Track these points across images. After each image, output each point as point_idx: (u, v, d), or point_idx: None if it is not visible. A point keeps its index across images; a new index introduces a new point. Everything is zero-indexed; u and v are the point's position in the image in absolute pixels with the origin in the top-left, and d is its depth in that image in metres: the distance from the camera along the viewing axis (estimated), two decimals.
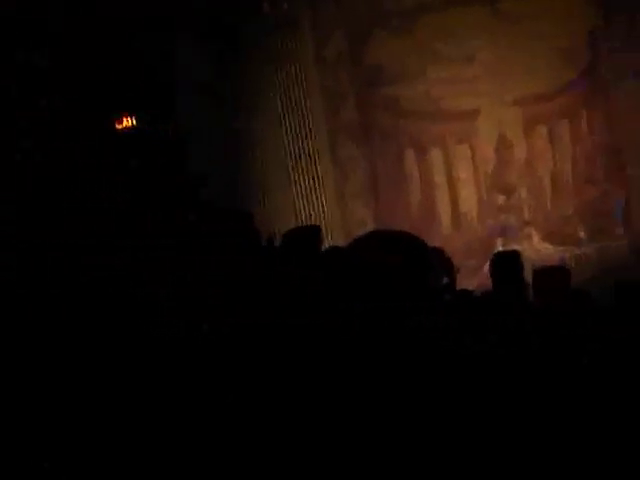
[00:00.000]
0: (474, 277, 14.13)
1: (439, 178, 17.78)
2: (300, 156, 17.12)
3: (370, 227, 15.47)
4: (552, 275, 6.73)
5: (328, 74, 17.53)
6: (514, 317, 5.09)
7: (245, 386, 3.27)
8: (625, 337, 5.04)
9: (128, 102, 11.25)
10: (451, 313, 4.27)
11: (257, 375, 3.30)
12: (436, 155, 17.76)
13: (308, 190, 17.11)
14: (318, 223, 8.69)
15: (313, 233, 6.87)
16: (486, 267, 7.62)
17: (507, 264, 6.72)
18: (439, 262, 6.06)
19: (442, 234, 16.96)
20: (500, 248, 15.82)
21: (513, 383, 3.49)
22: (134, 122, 10.92)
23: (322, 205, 17.07)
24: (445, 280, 5.89)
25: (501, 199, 17.70)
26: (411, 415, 3.07)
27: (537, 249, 17.16)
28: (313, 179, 17.19)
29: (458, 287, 6.38)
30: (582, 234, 17.65)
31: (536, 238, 17.60)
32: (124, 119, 10.82)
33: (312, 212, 16.94)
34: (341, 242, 11.11)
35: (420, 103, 17.40)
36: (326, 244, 6.77)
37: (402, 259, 3.22)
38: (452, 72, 17.15)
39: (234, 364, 3.36)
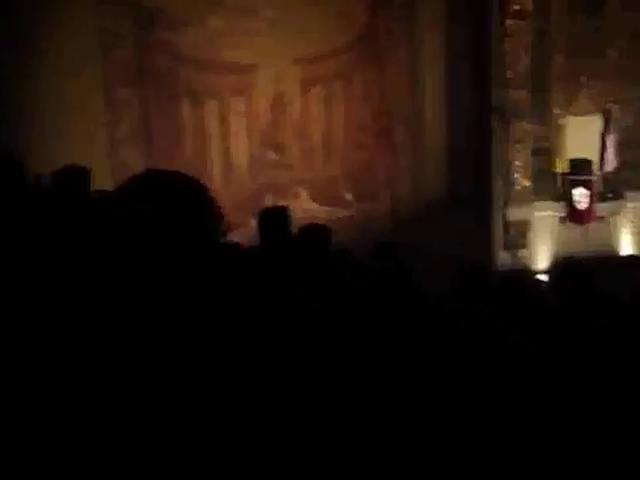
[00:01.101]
0: (241, 232, 14.16)
1: (213, 130, 17.65)
2: (71, 97, 16.46)
3: None
4: (314, 233, 6.80)
5: (107, 14, 16.93)
6: (280, 272, 5.13)
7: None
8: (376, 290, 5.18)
9: None
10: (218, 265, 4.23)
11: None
12: (211, 106, 17.60)
13: (80, 132, 16.52)
14: (89, 167, 8.35)
15: (79, 174, 6.66)
16: (254, 222, 7.63)
17: (274, 220, 6.74)
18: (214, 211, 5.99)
19: (213, 187, 16.82)
20: (269, 205, 15.93)
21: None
22: None
23: (93, 149, 16.53)
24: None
25: (272, 156, 17.82)
26: None
27: (305, 208, 17.44)
28: (85, 122, 16.61)
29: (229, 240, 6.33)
30: (349, 196, 18.10)
31: (305, 197, 17.88)
32: None
33: (85, 156, 16.37)
34: (109, 188, 10.74)
35: (198, 51, 17.15)
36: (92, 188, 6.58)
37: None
38: (233, 24, 17.02)
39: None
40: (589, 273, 6.22)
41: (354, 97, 18.23)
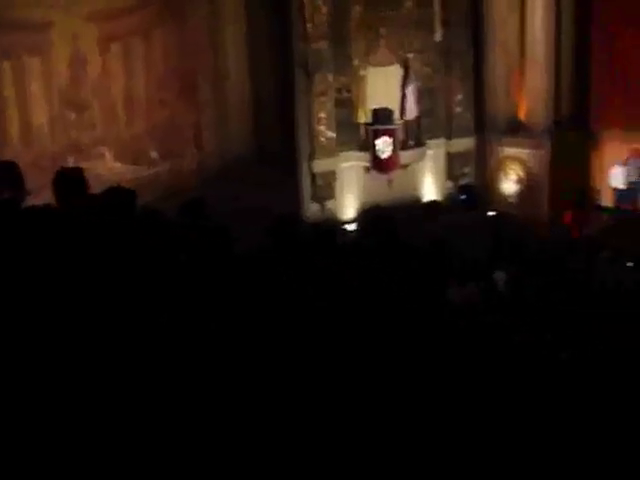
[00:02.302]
0: (42, 194, 13.71)
1: (9, 91, 16.92)
2: None
3: None
4: (117, 195, 6.64)
5: None
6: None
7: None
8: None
9: None
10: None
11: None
12: (6, 67, 16.85)
13: None
14: None
15: None
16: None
17: (69, 182, 6.50)
18: (9, 176, 5.78)
19: (12, 149, 16.21)
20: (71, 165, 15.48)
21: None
22: None
23: None
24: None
25: (73, 116, 17.31)
26: None
27: (110, 167, 17.08)
28: None
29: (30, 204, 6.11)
30: (154, 154, 17.84)
31: (109, 157, 17.49)
32: None
33: None
34: None
35: None
36: None
37: None
38: None
39: None
40: (391, 221, 6.38)
41: (154, 54, 17.91)
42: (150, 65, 17.88)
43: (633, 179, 18.98)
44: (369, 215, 7.05)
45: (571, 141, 19.28)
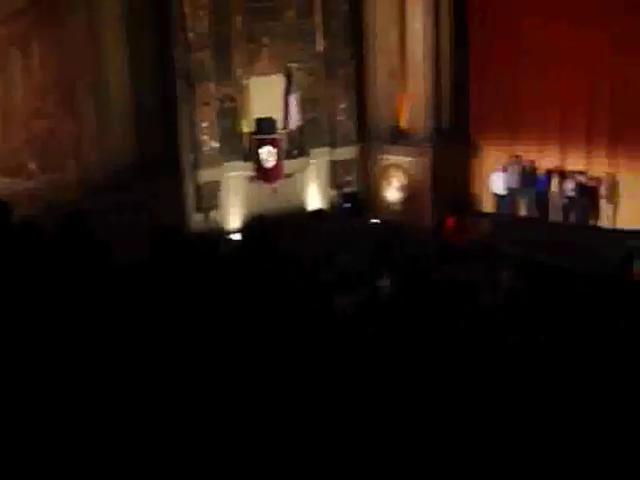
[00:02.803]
0: None
1: None
2: None
3: None
4: None
5: None
6: None
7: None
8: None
9: None
10: None
11: None
12: None
13: None
14: None
15: None
16: None
17: None
18: None
19: None
20: None
21: None
22: None
23: None
24: None
25: None
26: None
27: None
28: None
29: None
30: (32, 167, 17.42)
31: None
32: None
33: None
34: None
35: None
36: None
37: None
38: None
39: None
40: (272, 231, 6.39)
41: (33, 65, 17.51)
42: (28, 76, 17.46)
43: (512, 185, 19.47)
44: (249, 226, 7.05)
45: (452, 148, 19.67)
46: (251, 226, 6.63)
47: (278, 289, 4.61)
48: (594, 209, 18.67)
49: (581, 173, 18.75)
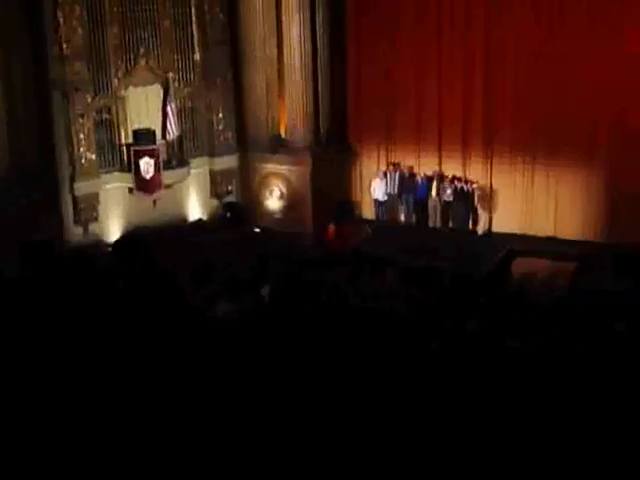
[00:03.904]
0: None
1: None
2: None
3: None
4: None
5: None
6: None
7: None
8: None
9: None
10: None
11: None
12: None
13: None
14: None
15: None
16: None
17: None
18: None
19: None
20: None
21: None
22: None
23: None
24: None
25: None
26: None
27: None
28: None
29: None
30: None
31: None
32: None
33: None
34: None
35: None
36: None
37: None
38: None
39: None
40: (147, 243, 6.34)
41: None
42: None
43: (392, 191, 19.77)
44: (123, 239, 7.00)
45: (331, 156, 19.87)
46: (122, 241, 6.58)
47: (150, 302, 4.60)
48: (472, 214, 19.11)
49: (459, 179, 19.18)
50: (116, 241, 7.04)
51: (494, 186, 19.01)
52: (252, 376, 3.83)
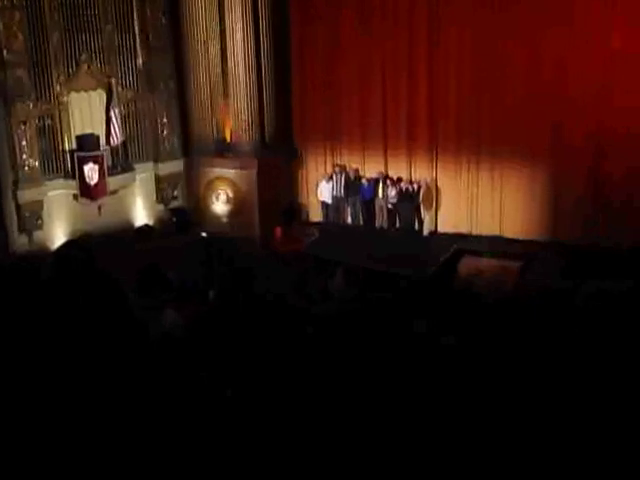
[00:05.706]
0: None
1: None
2: None
3: None
4: None
5: None
6: None
7: None
8: None
9: None
10: None
11: None
12: None
13: None
14: None
15: None
16: None
17: None
18: None
19: None
20: None
21: None
22: None
23: None
24: None
25: None
26: None
27: None
28: None
29: None
30: None
31: None
32: None
33: None
34: None
35: None
36: None
37: None
38: None
39: None
40: (89, 251, 6.31)
41: None
42: None
43: (338, 194, 19.82)
44: (64, 247, 6.94)
45: (277, 159, 19.88)
46: (63, 249, 6.53)
47: (91, 311, 4.57)
48: (417, 214, 19.22)
49: (403, 180, 19.28)
50: (57, 249, 6.96)
51: (439, 186, 19.13)
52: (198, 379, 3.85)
